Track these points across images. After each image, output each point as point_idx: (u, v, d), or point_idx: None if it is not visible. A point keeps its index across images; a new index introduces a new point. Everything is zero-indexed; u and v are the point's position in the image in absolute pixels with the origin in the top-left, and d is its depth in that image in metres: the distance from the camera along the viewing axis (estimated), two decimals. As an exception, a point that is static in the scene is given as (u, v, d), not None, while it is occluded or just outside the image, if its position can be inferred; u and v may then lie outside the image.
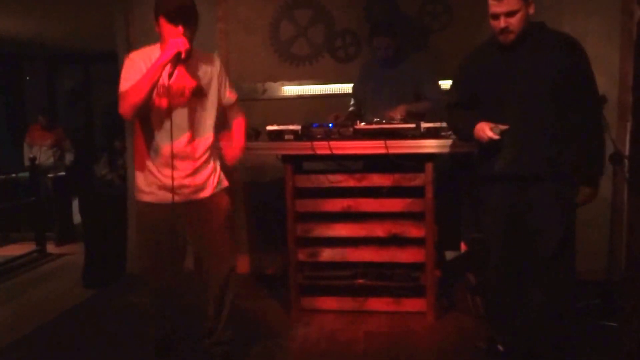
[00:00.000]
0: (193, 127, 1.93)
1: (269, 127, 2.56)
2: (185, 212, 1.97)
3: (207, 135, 1.98)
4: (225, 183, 2.08)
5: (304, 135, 2.53)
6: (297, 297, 2.66)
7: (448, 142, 2.36)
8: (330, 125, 2.59)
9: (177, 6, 1.81)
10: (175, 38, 1.79)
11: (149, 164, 1.94)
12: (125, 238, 3.47)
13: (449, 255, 3.10)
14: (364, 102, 3.02)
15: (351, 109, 3.09)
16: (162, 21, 1.84)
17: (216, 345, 2.10)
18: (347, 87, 3.23)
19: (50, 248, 4.36)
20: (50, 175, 4.80)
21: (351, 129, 2.54)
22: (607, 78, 2.78)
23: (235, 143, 2.11)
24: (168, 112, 1.88)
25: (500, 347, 2.13)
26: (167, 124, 1.87)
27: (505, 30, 1.88)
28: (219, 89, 2.00)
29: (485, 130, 1.94)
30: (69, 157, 5.08)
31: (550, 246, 1.94)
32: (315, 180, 2.61)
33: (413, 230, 2.54)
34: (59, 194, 4.75)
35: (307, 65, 3.38)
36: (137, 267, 3.35)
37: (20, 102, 6.79)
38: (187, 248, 2.04)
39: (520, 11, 1.86)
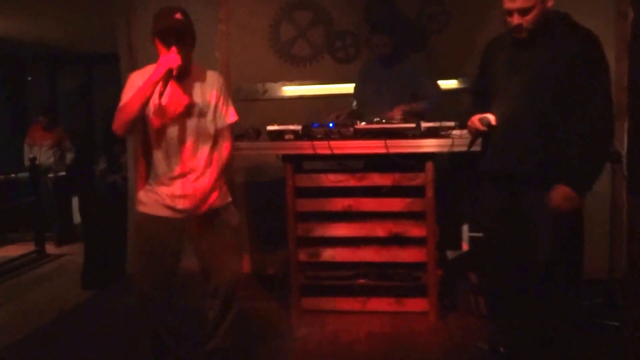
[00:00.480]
0: (191, 144, 1.91)
1: (270, 127, 2.56)
2: (186, 227, 1.95)
3: (205, 153, 1.94)
4: (228, 198, 2.04)
5: (305, 135, 2.53)
6: (298, 298, 2.65)
7: (448, 141, 2.36)
8: (330, 125, 2.59)
9: (168, 27, 1.79)
10: (167, 55, 1.78)
11: (149, 180, 1.95)
12: (125, 239, 3.46)
13: (451, 254, 3.10)
14: (365, 103, 3.04)
15: (354, 108, 3.10)
16: (156, 41, 1.83)
17: (215, 352, 2.08)
18: (347, 88, 3.24)
19: (50, 248, 4.35)
20: (50, 175, 4.80)
21: (351, 129, 2.54)
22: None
23: (215, 167, 1.96)
24: (164, 131, 1.87)
25: (502, 349, 2.11)
26: (164, 142, 1.86)
27: (518, 27, 1.78)
28: (215, 108, 1.94)
29: (474, 121, 1.89)
30: (69, 156, 5.08)
31: (545, 251, 1.85)
32: (316, 180, 2.61)
33: (414, 230, 2.54)
34: (59, 194, 4.75)
35: (307, 66, 3.39)
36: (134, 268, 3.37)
37: (22, 102, 6.80)
38: (180, 258, 2.01)
39: (535, 8, 1.74)
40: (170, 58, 1.76)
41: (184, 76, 1.87)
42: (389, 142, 2.40)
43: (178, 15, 1.80)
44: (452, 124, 2.39)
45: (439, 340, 2.36)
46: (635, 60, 3.00)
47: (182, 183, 1.91)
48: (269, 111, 3.33)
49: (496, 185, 1.95)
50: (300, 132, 2.53)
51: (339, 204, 2.59)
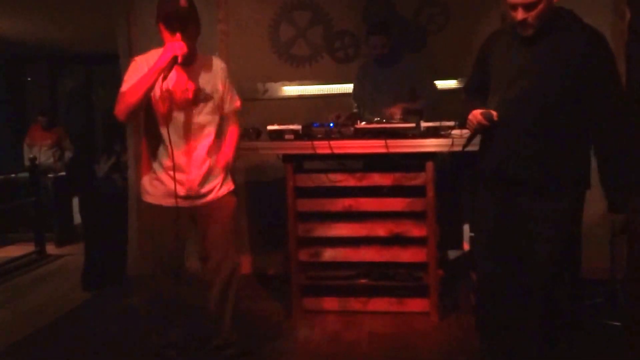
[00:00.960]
0: (196, 131, 1.93)
1: (270, 127, 2.56)
2: (190, 214, 1.98)
3: (210, 140, 1.97)
4: (230, 186, 2.07)
5: (305, 134, 2.53)
6: (298, 298, 2.64)
7: (449, 140, 2.36)
8: (330, 124, 2.59)
9: (173, 12, 1.80)
10: (172, 42, 1.79)
11: (153, 167, 1.95)
12: (126, 239, 3.46)
13: (452, 254, 3.09)
14: (363, 103, 3.05)
15: (355, 110, 3.11)
16: (161, 27, 1.84)
17: (222, 348, 2.08)
18: (346, 87, 3.25)
19: (51, 249, 4.35)
20: (50, 175, 4.79)
21: (352, 129, 2.54)
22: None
23: (225, 150, 2.04)
24: (170, 117, 1.87)
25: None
26: (169, 129, 1.87)
27: (523, 23, 1.70)
28: (222, 94, 1.99)
29: (476, 115, 1.80)
30: (68, 155, 5.08)
31: (545, 255, 1.78)
32: (316, 180, 2.61)
33: (415, 230, 2.53)
34: (59, 194, 4.74)
35: (307, 66, 3.39)
36: (140, 269, 3.37)
37: (22, 103, 6.80)
38: (185, 252, 2.03)
39: (541, 3, 1.66)
40: (176, 45, 1.78)
41: (189, 63, 1.89)
42: (390, 141, 2.39)
43: (183, 2, 1.81)
44: (451, 123, 2.38)
45: (440, 340, 2.36)
46: (632, 60, 3.01)
47: (186, 170, 1.92)
48: (269, 111, 3.32)
49: (494, 187, 1.87)
50: (300, 132, 2.52)
51: (340, 204, 2.58)
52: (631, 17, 2.93)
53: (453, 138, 2.33)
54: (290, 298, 2.65)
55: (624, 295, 2.53)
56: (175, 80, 1.87)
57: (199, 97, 1.91)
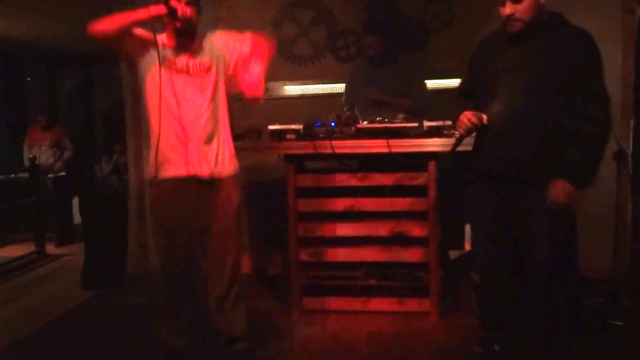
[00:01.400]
0: (202, 105, 1.95)
1: (271, 127, 2.55)
2: (197, 191, 1.98)
3: (215, 114, 1.99)
4: (235, 164, 2.09)
5: (306, 134, 2.52)
6: (299, 298, 2.64)
7: (451, 140, 2.35)
8: (332, 124, 2.58)
9: None
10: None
11: (160, 141, 1.96)
12: (126, 239, 3.45)
13: (453, 254, 3.09)
14: (354, 105, 3.05)
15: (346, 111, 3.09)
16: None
17: (231, 342, 2.08)
18: (348, 87, 3.23)
19: (51, 249, 4.34)
20: (50, 175, 4.78)
21: (353, 128, 2.53)
22: (608, 77, 2.75)
23: (252, 70, 2.03)
24: (175, 89, 1.91)
25: (496, 347, 2.06)
26: (174, 102, 1.91)
27: (511, 17, 1.74)
28: (230, 49, 2.02)
29: (468, 115, 1.84)
30: (67, 155, 5.07)
31: (543, 251, 1.82)
32: (318, 180, 2.60)
33: (416, 230, 2.52)
34: (59, 194, 4.73)
35: (308, 65, 3.38)
36: (140, 268, 3.36)
37: (21, 102, 6.79)
38: (206, 241, 2.04)
39: None
40: (180, 5, 1.84)
41: (191, 37, 1.94)
42: (391, 141, 2.39)
43: None
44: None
45: (441, 340, 2.35)
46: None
47: (191, 143, 1.94)
48: (270, 110, 3.30)
49: (490, 185, 1.91)
50: (301, 132, 2.52)
51: (341, 203, 2.58)
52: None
53: (455, 138, 2.32)
54: (290, 298, 2.64)
55: (627, 294, 2.54)
56: (179, 52, 1.93)
57: (203, 69, 1.96)
